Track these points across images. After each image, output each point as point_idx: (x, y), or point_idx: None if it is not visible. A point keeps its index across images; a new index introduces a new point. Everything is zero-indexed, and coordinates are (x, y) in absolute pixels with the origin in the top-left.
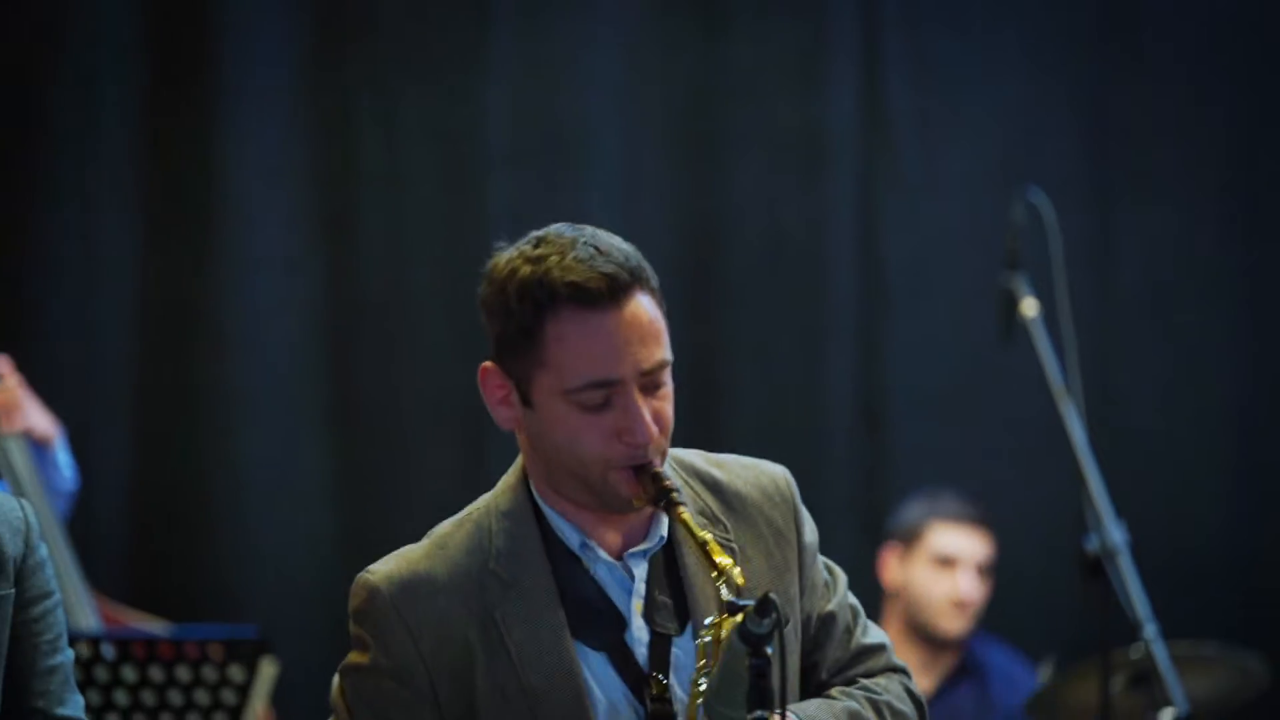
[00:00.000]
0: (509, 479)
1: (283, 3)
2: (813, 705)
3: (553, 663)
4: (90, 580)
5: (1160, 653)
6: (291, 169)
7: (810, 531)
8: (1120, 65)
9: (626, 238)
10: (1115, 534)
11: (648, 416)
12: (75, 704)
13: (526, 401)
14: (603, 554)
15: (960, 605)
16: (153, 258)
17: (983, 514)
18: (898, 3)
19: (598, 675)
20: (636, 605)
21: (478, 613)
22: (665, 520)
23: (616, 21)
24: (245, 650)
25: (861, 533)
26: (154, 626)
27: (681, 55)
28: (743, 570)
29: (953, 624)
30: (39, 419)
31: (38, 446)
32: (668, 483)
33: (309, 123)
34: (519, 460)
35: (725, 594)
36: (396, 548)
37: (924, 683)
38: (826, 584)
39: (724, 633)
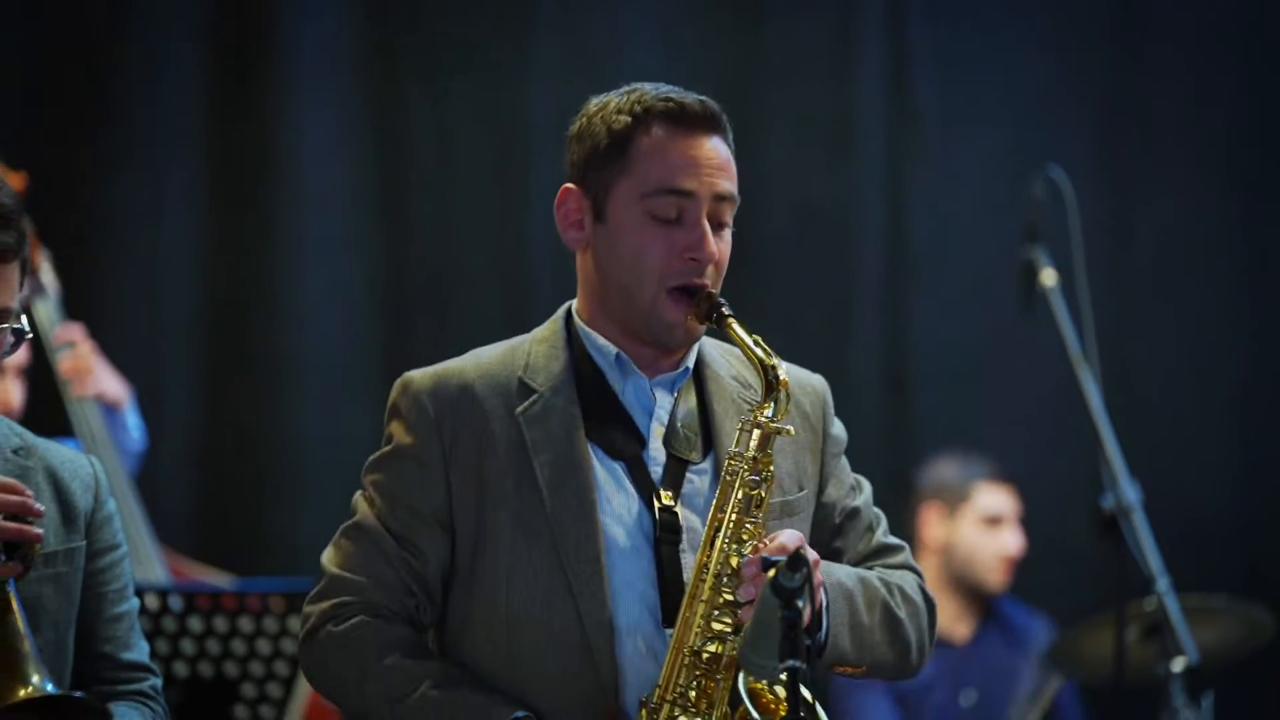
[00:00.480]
0: (550, 321)
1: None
2: (832, 564)
3: (565, 458)
4: (159, 536)
5: (1172, 605)
6: (348, 153)
7: (838, 428)
8: (1130, 53)
9: None
10: (1130, 493)
11: (712, 240)
12: (141, 649)
13: (600, 217)
14: (634, 368)
15: (1008, 561)
16: (217, 234)
17: (1012, 472)
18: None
19: (612, 482)
20: (656, 429)
21: (500, 410)
22: (693, 356)
23: (655, 14)
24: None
25: (886, 492)
26: (219, 580)
27: (717, 45)
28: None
29: (1000, 578)
30: (110, 383)
31: (108, 409)
32: (720, 300)
33: (365, 110)
34: (554, 315)
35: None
36: None
37: (962, 630)
38: (854, 485)
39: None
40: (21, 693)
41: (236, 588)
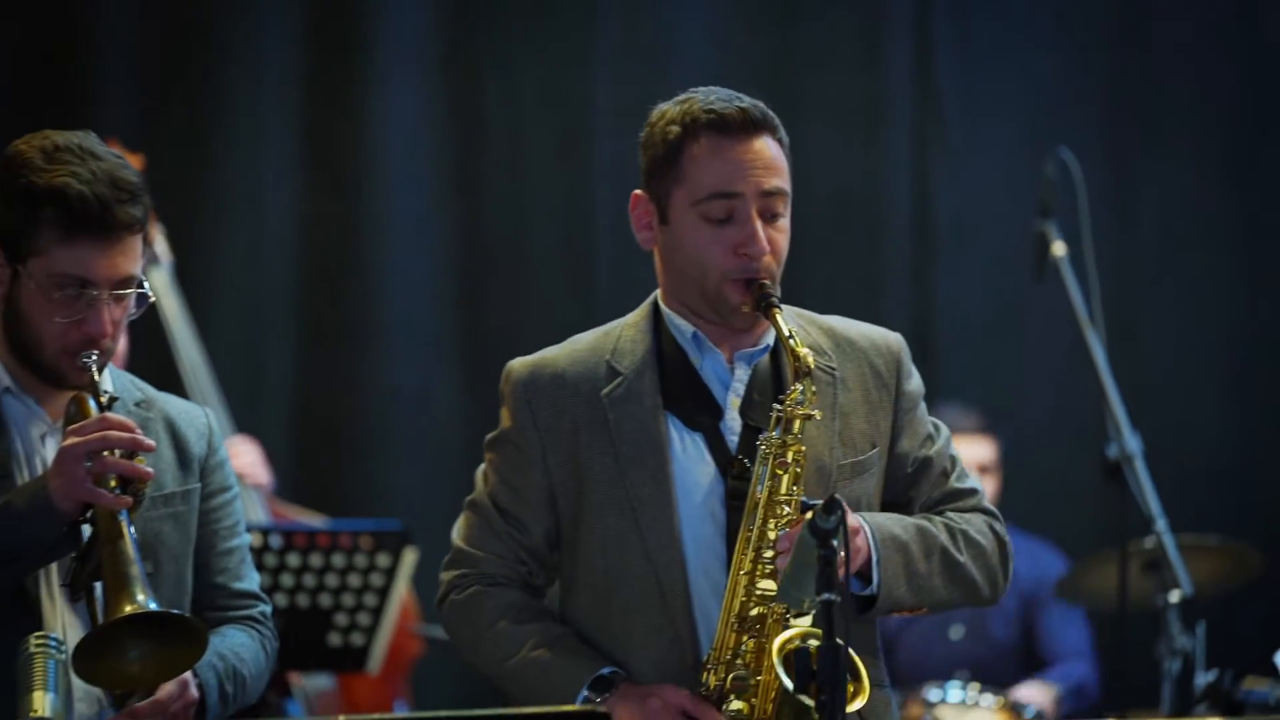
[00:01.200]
0: (641, 308)
1: None
2: (883, 515)
3: (642, 435)
4: None
5: (1169, 543)
6: (430, 137)
7: (913, 384)
8: (1133, 46)
9: None
10: (1132, 442)
11: (762, 236)
12: (252, 579)
13: (664, 220)
14: (710, 345)
15: None
16: (313, 209)
17: (986, 423)
18: None
19: (690, 452)
20: (734, 401)
21: (588, 394)
22: (773, 334)
23: (703, 10)
24: (391, 541)
25: None
26: (314, 520)
27: (759, 38)
28: (843, 398)
29: None
30: None
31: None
32: (770, 291)
33: (445, 98)
34: (645, 301)
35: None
36: None
37: None
38: (929, 435)
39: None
40: (128, 608)
41: (330, 527)
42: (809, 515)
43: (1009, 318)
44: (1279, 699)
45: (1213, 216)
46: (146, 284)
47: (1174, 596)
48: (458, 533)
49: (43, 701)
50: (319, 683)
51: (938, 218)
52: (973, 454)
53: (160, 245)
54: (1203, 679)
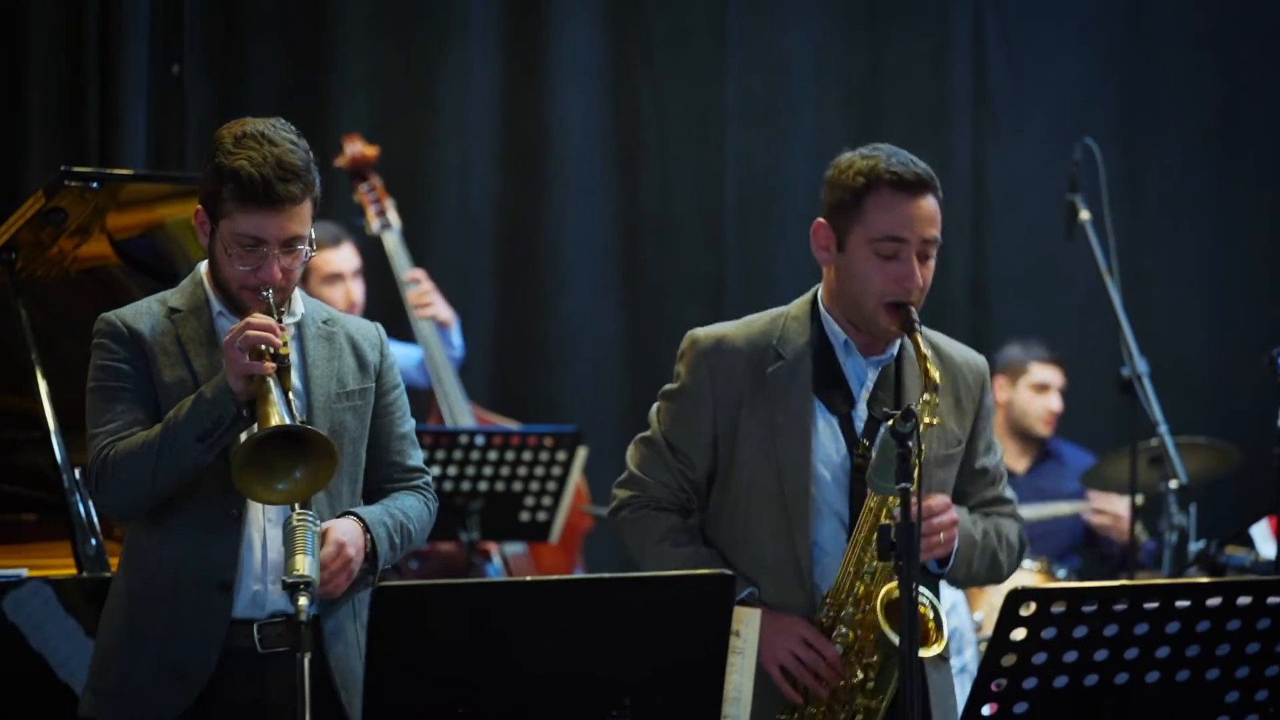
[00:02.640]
0: (803, 302)
1: (588, 8)
2: (966, 516)
3: (796, 411)
4: (469, 395)
5: (1169, 442)
6: (598, 126)
7: (990, 400)
8: (1142, 55)
9: (821, 178)
10: (1140, 364)
11: (919, 274)
12: (416, 457)
13: (841, 248)
14: (855, 350)
15: (1052, 415)
16: (506, 185)
17: (1060, 355)
18: (998, 20)
19: (828, 431)
20: (864, 395)
21: (757, 369)
22: (898, 346)
23: (810, 33)
24: (567, 440)
25: None
26: (509, 424)
27: (853, 52)
28: (939, 400)
29: (1044, 428)
30: (442, 309)
31: (440, 327)
32: (914, 317)
33: (609, 96)
34: (806, 294)
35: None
36: (662, 377)
37: (1020, 464)
38: (989, 446)
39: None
40: (274, 420)
41: (521, 430)
42: (890, 422)
43: (1046, 269)
44: (1254, 562)
45: (1202, 190)
46: (312, 241)
47: (1173, 484)
48: (632, 460)
49: (304, 563)
50: (514, 549)
51: (991, 191)
52: (1048, 378)
53: (391, 213)
54: (1194, 547)
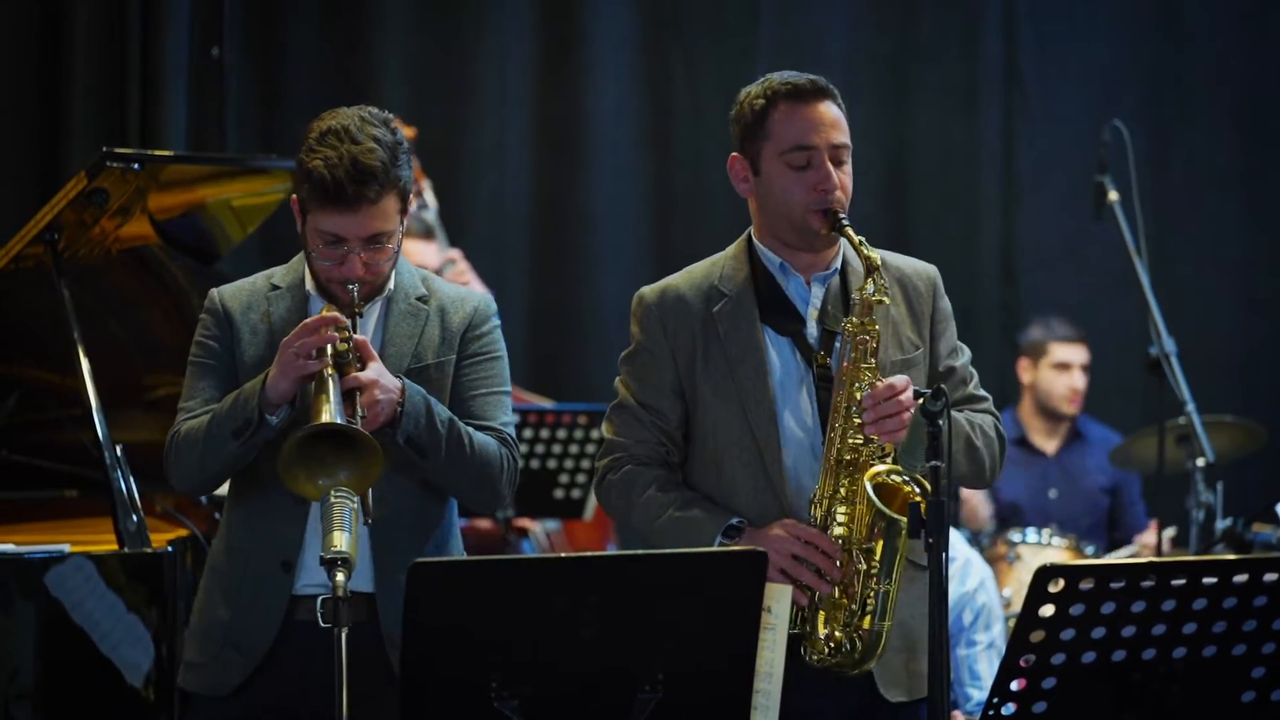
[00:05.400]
0: (739, 242)
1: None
2: None
3: (746, 341)
4: None
5: (1196, 421)
6: (631, 111)
7: (945, 303)
8: (1168, 39)
9: (856, 159)
10: (1168, 344)
11: (834, 176)
12: (501, 418)
13: (756, 172)
14: (793, 270)
15: (1075, 394)
16: (541, 167)
17: (1082, 333)
18: (1028, 1)
19: (781, 353)
20: (812, 313)
21: (702, 310)
22: (840, 259)
23: (841, 15)
24: (601, 419)
25: (1001, 346)
26: (544, 402)
27: (885, 34)
28: (893, 310)
29: (1070, 407)
30: (478, 289)
31: None
32: (842, 216)
33: (643, 82)
34: (741, 236)
35: (869, 290)
36: None
37: (1050, 444)
38: (955, 349)
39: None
40: (325, 417)
41: (555, 408)
42: (920, 401)
43: (1075, 248)
44: (1279, 538)
45: (1230, 170)
46: (399, 236)
47: (1200, 462)
48: (607, 430)
49: (341, 539)
50: (550, 525)
51: (1021, 171)
52: (1070, 356)
53: (428, 193)
54: (1221, 524)
